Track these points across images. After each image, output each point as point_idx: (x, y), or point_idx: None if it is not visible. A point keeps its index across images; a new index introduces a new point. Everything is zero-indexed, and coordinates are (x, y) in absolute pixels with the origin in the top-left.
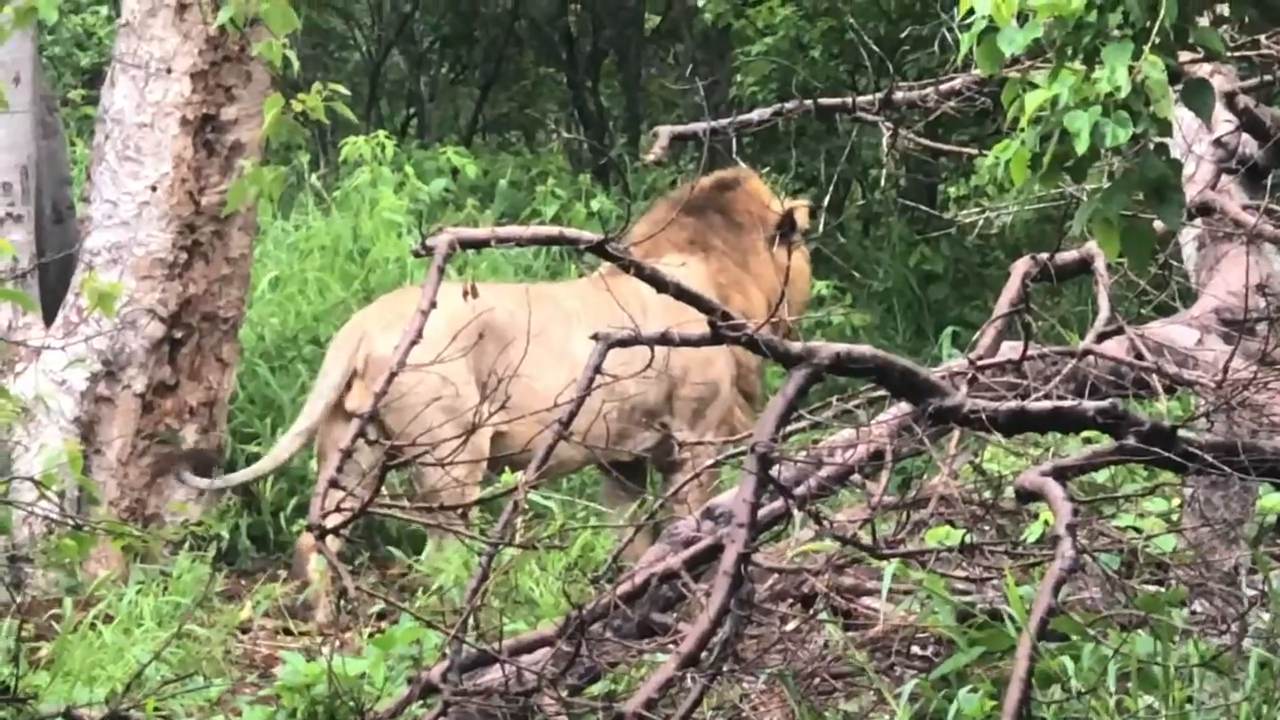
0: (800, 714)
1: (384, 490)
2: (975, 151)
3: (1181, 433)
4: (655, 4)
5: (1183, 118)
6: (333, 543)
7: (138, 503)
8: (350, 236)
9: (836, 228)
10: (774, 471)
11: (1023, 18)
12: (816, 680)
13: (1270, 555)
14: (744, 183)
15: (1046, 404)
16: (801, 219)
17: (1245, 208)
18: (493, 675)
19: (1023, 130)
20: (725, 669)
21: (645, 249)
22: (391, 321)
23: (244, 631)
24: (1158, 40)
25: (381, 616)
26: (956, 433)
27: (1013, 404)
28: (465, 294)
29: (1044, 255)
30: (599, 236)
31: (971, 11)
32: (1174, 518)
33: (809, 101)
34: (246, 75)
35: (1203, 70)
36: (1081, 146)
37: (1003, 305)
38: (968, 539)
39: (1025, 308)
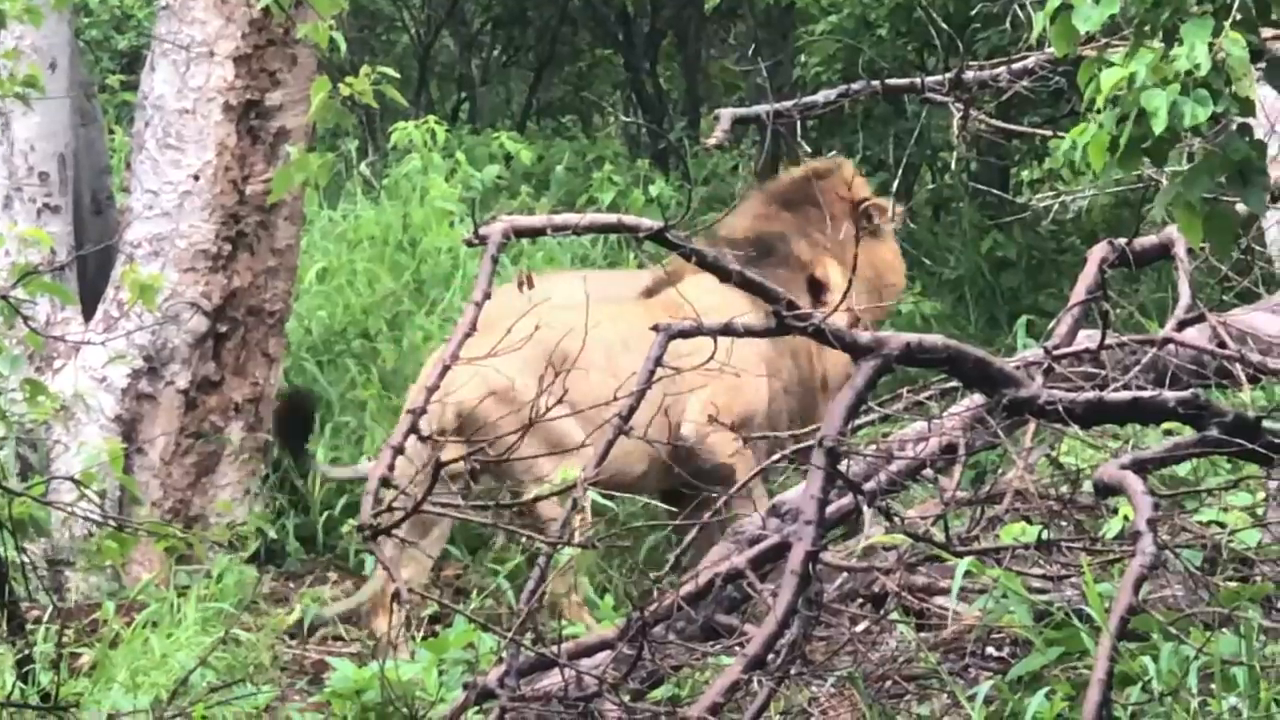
0: (871, 718)
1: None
2: (1049, 133)
3: (1266, 423)
4: None
5: (1265, 96)
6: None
7: (181, 503)
8: (400, 226)
9: (905, 213)
10: (842, 466)
11: None
12: (888, 683)
13: None
14: (837, 171)
15: (1125, 394)
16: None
17: None
18: (551, 680)
19: (1099, 112)
20: (793, 672)
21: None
22: None
23: (292, 636)
24: (1239, 16)
25: (435, 620)
26: (1032, 425)
27: (1090, 395)
28: (520, 284)
29: (1122, 240)
30: (659, 224)
31: None
32: (1259, 512)
33: (876, 82)
34: (291, 59)
35: None
36: (1159, 126)
37: (1079, 292)
38: (1044, 535)
39: (1103, 295)
